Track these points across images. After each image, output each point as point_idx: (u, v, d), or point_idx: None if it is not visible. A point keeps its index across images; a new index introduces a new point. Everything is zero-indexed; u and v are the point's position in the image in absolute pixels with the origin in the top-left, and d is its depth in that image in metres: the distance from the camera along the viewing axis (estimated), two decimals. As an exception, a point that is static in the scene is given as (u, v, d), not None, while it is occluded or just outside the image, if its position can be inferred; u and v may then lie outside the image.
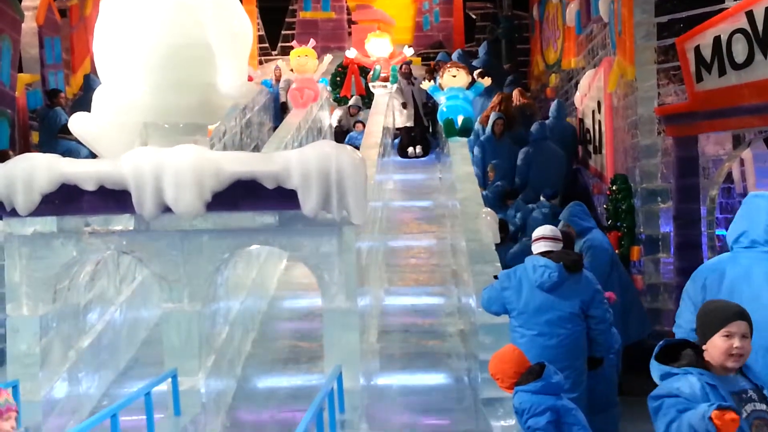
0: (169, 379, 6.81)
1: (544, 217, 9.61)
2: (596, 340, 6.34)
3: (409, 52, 18.97)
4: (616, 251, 9.91)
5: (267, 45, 23.33)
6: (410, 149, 16.63)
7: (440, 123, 14.59)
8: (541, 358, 5.69)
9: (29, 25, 13.94)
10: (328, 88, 18.98)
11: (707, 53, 9.25)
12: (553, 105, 14.37)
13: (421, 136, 17.09)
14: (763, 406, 3.85)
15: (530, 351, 5.98)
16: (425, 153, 16.61)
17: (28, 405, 6.74)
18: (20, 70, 13.25)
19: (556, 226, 7.65)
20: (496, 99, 14.55)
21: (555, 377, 4.95)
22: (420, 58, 21.57)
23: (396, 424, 7.59)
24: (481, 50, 21.04)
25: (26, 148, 11.75)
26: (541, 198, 11.63)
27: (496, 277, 6.95)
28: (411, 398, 8.06)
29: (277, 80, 18.04)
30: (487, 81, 14.52)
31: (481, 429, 6.93)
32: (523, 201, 12.07)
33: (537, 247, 6.59)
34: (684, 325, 4.97)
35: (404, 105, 17.08)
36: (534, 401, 4.79)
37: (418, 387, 8.31)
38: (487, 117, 14.02)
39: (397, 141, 17.21)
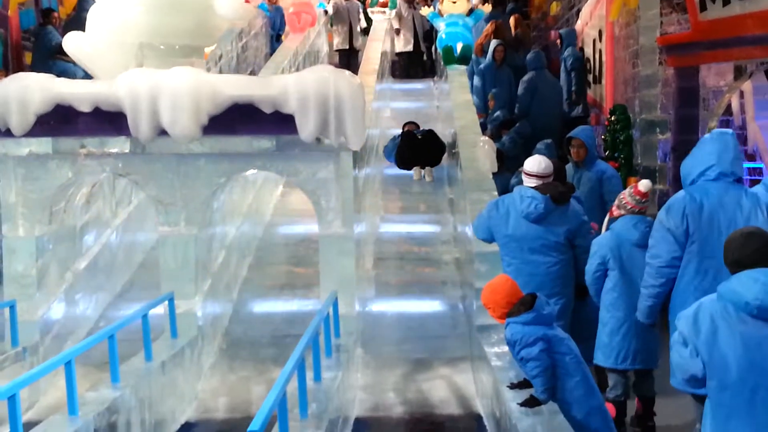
0: (166, 302, 6.84)
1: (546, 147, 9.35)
2: (583, 270, 6.37)
3: (409, -24, 18.64)
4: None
5: (264, -33, 22.88)
6: (415, 171, 12.07)
7: (439, 51, 14.39)
8: (528, 286, 5.71)
9: (21, -59, 13.64)
10: (327, 8, 18.59)
11: (712, -19, 9.10)
12: (565, 32, 13.86)
13: (420, 61, 16.88)
14: None
15: (517, 279, 6.01)
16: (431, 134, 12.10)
17: (25, 325, 6.79)
18: (12, -11, 13.00)
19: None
20: (489, 27, 14.24)
21: (547, 308, 4.96)
22: (421, -17, 21.22)
23: (391, 349, 7.66)
24: (482, -24, 20.66)
25: (20, 68, 11.57)
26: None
27: None
28: (406, 325, 8.12)
29: (272, 3, 17.72)
30: (487, 8, 14.27)
31: (476, 355, 7.00)
32: (517, 133, 11.66)
33: (527, 182, 6.57)
34: (663, 255, 5.31)
35: (397, 31, 16.85)
36: (525, 332, 4.81)
37: (413, 314, 8.38)
38: (481, 46, 13.72)
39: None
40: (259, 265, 9.47)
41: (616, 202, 6.27)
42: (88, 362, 6.83)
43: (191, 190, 7.05)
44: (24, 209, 6.98)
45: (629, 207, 6.14)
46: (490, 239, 6.68)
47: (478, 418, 6.37)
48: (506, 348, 6.36)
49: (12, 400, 4.23)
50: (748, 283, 3.74)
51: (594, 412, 4.82)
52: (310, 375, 5.48)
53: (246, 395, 6.60)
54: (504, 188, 8.63)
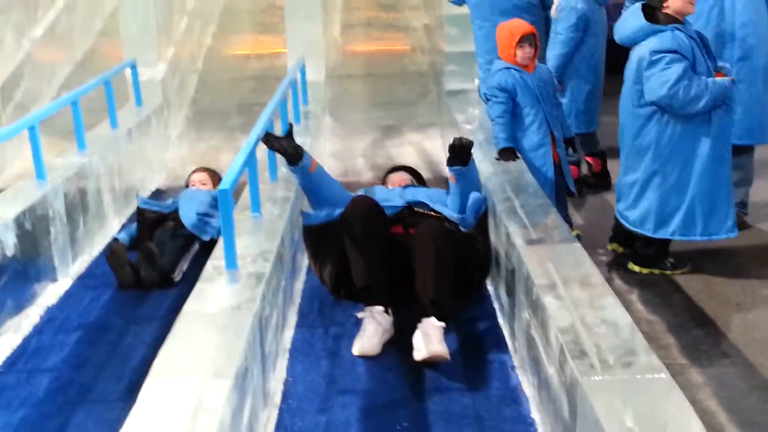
0: (129, 70, 6.66)
1: None
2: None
3: None
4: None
5: None
6: None
7: None
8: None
9: None
10: None
11: None
12: None
13: None
14: None
15: (487, 43, 5.93)
16: None
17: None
18: None
19: None
20: None
21: None
22: None
23: (359, 117, 7.61)
24: None
25: None
26: None
27: None
28: (374, 93, 8.03)
29: None
30: None
31: (446, 121, 6.98)
32: None
33: None
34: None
35: None
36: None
37: (382, 81, 8.26)
38: None
39: None
40: (223, 33, 9.21)
41: None
42: (53, 132, 6.75)
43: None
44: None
45: None
46: (459, 2, 6.48)
47: (447, 180, 6.43)
48: (476, 112, 6.35)
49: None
50: None
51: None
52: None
53: (215, 163, 6.58)
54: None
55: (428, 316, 3.56)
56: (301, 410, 3.18)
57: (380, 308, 3.70)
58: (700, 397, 3.46)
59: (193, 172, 5.62)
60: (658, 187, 4.60)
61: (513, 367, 3.45)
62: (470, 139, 4.05)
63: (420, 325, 3.54)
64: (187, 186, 5.49)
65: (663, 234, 4.67)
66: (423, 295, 3.65)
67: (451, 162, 4.07)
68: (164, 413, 2.33)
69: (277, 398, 3.26)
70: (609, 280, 4.13)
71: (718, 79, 4.45)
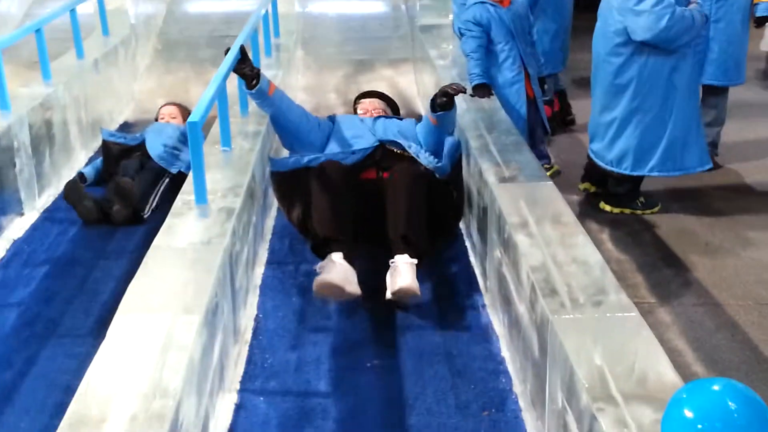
0: (95, -1, 6.50)
1: None
2: None
3: None
4: None
5: None
6: None
7: None
8: None
9: None
10: None
11: None
12: None
13: None
14: None
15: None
16: None
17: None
18: None
19: None
20: None
21: None
22: None
23: (331, 51, 7.50)
24: None
25: None
26: None
27: None
28: (347, 26, 7.90)
29: None
30: None
31: (418, 56, 6.90)
32: None
33: None
34: None
35: None
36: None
37: (355, 15, 8.12)
38: None
39: None
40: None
41: None
42: (17, 62, 6.58)
43: None
44: None
45: None
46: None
47: (419, 118, 6.38)
48: (449, 47, 6.27)
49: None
50: None
51: None
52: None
53: (184, 96, 6.47)
54: None
55: (401, 253, 3.55)
56: (272, 347, 3.17)
57: (339, 254, 3.52)
58: (668, 336, 3.50)
59: (163, 106, 5.52)
60: (637, 124, 4.58)
61: (484, 306, 3.46)
62: (463, 86, 3.98)
63: (392, 263, 3.53)
64: (156, 120, 5.40)
65: (641, 171, 4.66)
66: (394, 233, 3.62)
67: (437, 107, 4.00)
68: (134, 348, 2.31)
69: (248, 335, 3.25)
70: (580, 219, 4.14)
71: (694, 9, 4.42)
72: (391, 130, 4.27)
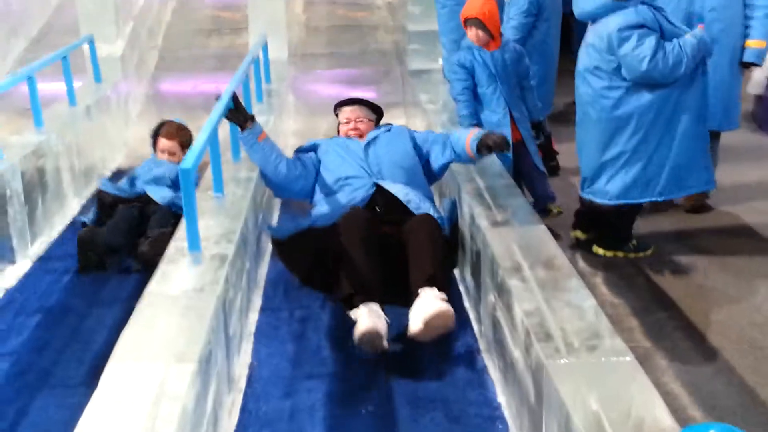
0: (86, 45, 6.53)
1: None
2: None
3: None
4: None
5: None
6: None
7: None
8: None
9: None
10: None
11: None
12: None
13: None
14: None
15: (451, 21, 5.92)
16: None
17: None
18: None
19: None
20: None
21: None
22: None
23: (322, 95, 7.55)
24: None
25: None
26: None
27: None
28: (338, 71, 7.97)
29: None
30: None
31: (409, 101, 6.95)
32: None
33: None
34: None
35: None
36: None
37: (346, 58, 8.19)
38: None
39: None
40: (182, 10, 9.07)
41: None
42: (10, 110, 6.61)
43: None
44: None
45: None
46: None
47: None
48: (440, 92, 6.32)
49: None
50: None
51: None
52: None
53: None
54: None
55: (429, 287, 3.51)
56: (266, 394, 3.15)
57: (376, 304, 3.51)
58: (665, 380, 3.48)
59: (162, 129, 5.24)
60: (642, 154, 4.54)
61: (479, 351, 3.45)
62: (506, 144, 4.05)
63: (418, 296, 3.49)
64: (154, 146, 5.24)
65: (650, 197, 4.61)
66: (420, 274, 3.57)
67: (483, 152, 4.07)
68: (126, 398, 2.29)
69: (242, 383, 3.23)
70: (573, 263, 4.14)
71: (686, 37, 4.41)
72: (386, 165, 4.28)
